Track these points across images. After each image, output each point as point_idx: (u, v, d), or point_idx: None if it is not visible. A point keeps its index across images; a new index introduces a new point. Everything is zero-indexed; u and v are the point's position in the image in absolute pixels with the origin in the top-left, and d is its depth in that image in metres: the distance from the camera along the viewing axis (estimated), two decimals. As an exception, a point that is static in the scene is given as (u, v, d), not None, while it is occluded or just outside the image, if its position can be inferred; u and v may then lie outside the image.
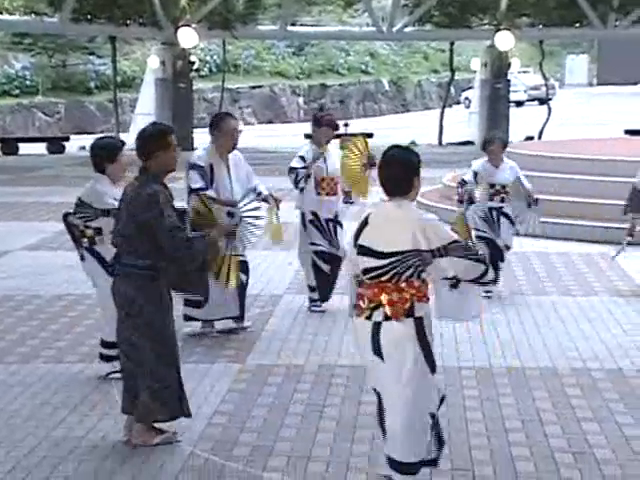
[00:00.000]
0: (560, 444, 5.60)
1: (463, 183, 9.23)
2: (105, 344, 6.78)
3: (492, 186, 9.10)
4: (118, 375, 6.66)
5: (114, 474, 5.20)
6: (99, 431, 5.83)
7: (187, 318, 7.88)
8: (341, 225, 8.60)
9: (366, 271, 4.71)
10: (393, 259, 4.62)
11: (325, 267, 8.55)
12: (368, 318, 4.70)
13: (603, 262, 10.83)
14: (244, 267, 7.82)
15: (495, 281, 4.80)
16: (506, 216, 9.13)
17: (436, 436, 4.78)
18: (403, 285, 4.64)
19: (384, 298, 4.65)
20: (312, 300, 8.68)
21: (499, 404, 6.29)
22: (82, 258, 6.83)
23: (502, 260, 9.07)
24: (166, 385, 5.55)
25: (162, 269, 5.53)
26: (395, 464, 4.71)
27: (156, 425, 5.65)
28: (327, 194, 8.53)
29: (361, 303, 4.74)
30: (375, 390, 4.81)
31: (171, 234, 5.41)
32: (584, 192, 12.72)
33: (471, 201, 9.11)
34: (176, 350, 5.66)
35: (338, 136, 8.61)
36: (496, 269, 8.89)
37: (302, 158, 8.49)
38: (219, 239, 5.80)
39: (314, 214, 8.54)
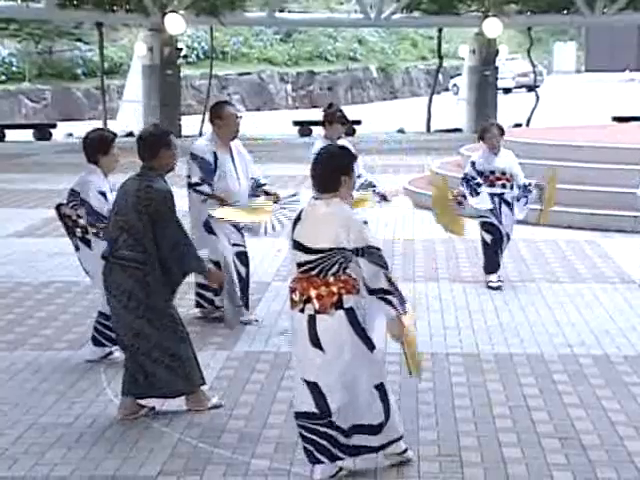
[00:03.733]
0: (547, 430, 5.63)
1: (465, 179, 9.16)
2: (107, 326, 6.77)
3: (492, 172, 9.08)
4: (110, 357, 6.74)
5: (102, 461, 5.21)
6: (87, 418, 5.83)
7: (202, 305, 7.95)
8: None
9: (299, 265, 4.90)
10: (319, 255, 4.81)
11: None
12: (301, 311, 4.89)
13: (590, 249, 10.87)
14: (244, 259, 7.87)
15: (402, 307, 4.88)
16: (507, 204, 9.11)
17: (385, 406, 4.96)
18: (331, 279, 4.84)
19: (312, 292, 4.84)
20: None
21: (486, 390, 6.31)
22: (77, 248, 6.84)
23: (501, 250, 9.10)
24: (185, 359, 5.76)
25: (159, 263, 5.66)
26: (365, 428, 4.89)
27: (142, 402, 5.81)
28: None
29: (294, 296, 4.93)
30: (309, 382, 4.88)
31: (180, 230, 5.70)
32: (571, 179, 12.73)
33: (477, 193, 9.08)
34: (183, 325, 5.87)
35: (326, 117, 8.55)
36: (497, 255, 9.07)
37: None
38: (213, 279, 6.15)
39: None
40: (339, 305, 4.83)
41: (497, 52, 27.21)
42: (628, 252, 10.44)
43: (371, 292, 4.82)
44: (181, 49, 26.89)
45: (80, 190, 6.69)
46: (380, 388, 4.96)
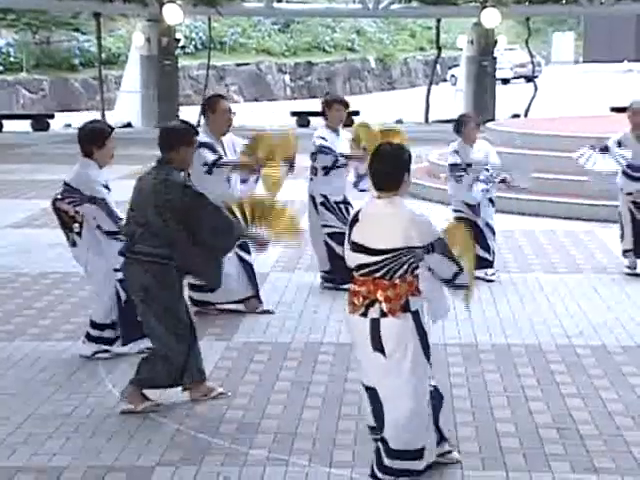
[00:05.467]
0: (545, 420, 5.64)
1: (453, 167, 9.13)
2: (94, 325, 6.76)
3: (469, 165, 9.06)
4: (104, 355, 6.71)
5: (100, 451, 5.22)
6: (86, 408, 5.84)
7: (197, 303, 7.88)
8: (351, 206, 8.56)
9: (359, 267, 4.74)
10: (386, 256, 4.65)
11: (339, 249, 8.51)
12: (363, 315, 4.72)
13: (588, 239, 10.87)
14: (246, 245, 7.85)
15: (466, 287, 4.87)
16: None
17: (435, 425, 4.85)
18: (397, 281, 4.68)
19: (380, 295, 4.67)
20: (326, 280, 8.65)
21: (484, 381, 6.32)
22: (73, 244, 6.75)
23: (486, 241, 9.04)
24: (177, 359, 5.75)
25: (178, 257, 5.67)
26: (392, 452, 4.71)
27: (146, 392, 5.80)
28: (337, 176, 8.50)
29: (355, 300, 4.76)
30: (367, 387, 4.80)
31: (213, 207, 5.69)
32: (570, 169, 12.73)
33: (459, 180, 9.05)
34: (192, 328, 5.87)
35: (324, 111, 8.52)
36: (486, 249, 9.00)
37: (324, 138, 8.39)
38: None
39: (324, 197, 8.53)
40: (407, 308, 4.68)
41: (495, 42, 27.16)
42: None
43: (444, 282, 4.77)
44: (179, 39, 26.85)
45: (79, 187, 6.56)
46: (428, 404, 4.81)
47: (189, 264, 5.74)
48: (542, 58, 53.20)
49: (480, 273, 8.67)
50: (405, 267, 4.67)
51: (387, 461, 4.75)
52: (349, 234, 4.78)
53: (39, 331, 7.47)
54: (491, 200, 9.12)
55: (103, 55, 29.38)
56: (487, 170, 8.99)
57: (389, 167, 4.74)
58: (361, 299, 4.72)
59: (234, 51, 39.97)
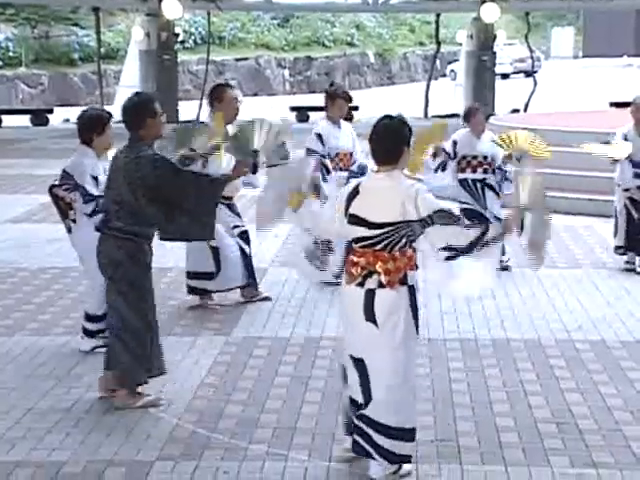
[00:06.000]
0: (544, 414, 5.65)
1: (442, 151, 9.14)
2: (89, 318, 6.76)
3: (474, 157, 9.06)
4: (104, 350, 6.70)
5: (100, 446, 5.22)
6: (85, 403, 5.84)
7: (195, 291, 7.88)
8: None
9: (358, 240, 4.75)
10: (385, 229, 4.66)
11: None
12: (360, 285, 4.73)
13: (588, 234, 10.88)
14: (246, 237, 7.90)
15: (500, 238, 4.71)
16: (491, 188, 9.11)
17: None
18: (397, 254, 4.69)
19: (380, 267, 4.68)
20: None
21: (484, 375, 6.32)
22: (69, 230, 6.80)
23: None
24: (144, 348, 5.73)
25: (160, 232, 5.72)
26: (384, 428, 4.70)
27: (139, 389, 5.77)
28: (340, 169, 8.48)
29: (353, 270, 4.76)
30: (356, 359, 4.78)
31: (187, 172, 5.80)
32: (569, 165, 12.73)
33: (444, 168, 9.06)
34: (154, 311, 5.85)
35: (325, 108, 8.51)
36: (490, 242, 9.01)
37: (319, 136, 8.36)
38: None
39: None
40: (404, 281, 4.72)
41: (495, 37, 27.09)
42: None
43: (469, 249, 4.60)
44: (178, 34, 26.78)
45: (74, 173, 6.61)
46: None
47: (174, 234, 5.74)
48: (541, 53, 53.14)
49: None
50: (404, 240, 4.68)
51: (378, 438, 4.70)
52: (347, 207, 4.77)
53: (38, 326, 7.47)
54: (497, 193, 9.10)
55: (102, 50, 29.34)
56: (500, 169, 9.00)
57: (388, 141, 4.76)
58: (359, 269, 4.74)
59: (233, 46, 39.93)
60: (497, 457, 5.08)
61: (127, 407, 5.70)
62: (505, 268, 9.05)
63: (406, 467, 4.85)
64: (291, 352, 6.81)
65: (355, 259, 4.76)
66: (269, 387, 6.10)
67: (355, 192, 4.78)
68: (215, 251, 7.69)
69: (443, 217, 4.62)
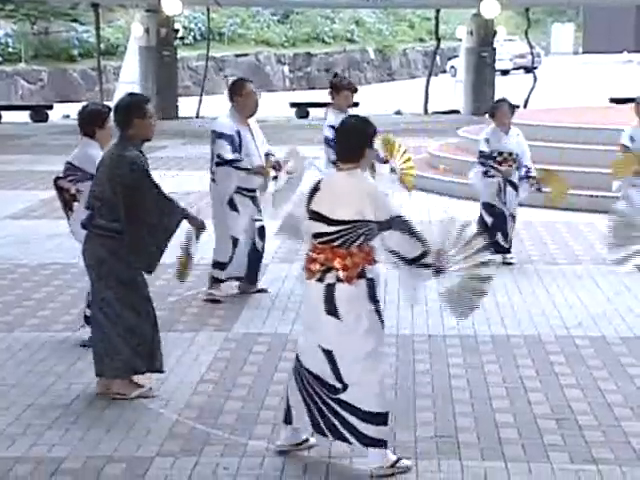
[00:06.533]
0: (543, 410, 5.65)
1: (482, 155, 9.13)
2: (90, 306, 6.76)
3: (500, 154, 9.07)
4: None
5: (99, 442, 5.22)
6: (85, 399, 5.84)
7: (216, 281, 8.00)
8: None
9: (317, 235, 4.85)
10: (342, 227, 4.76)
11: None
12: (320, 280, 4.83)
13: (588, 231, 10.87)
14: (262, 232, 8.05)
15: (438, 272, 4.85)
16: (512, 184, 9.15)
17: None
18: (354, 250, 4.79)
19: (337, 263, 4.79)
20: None
21: (483, 372, 6.33)
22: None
23: (506, 230, 9.13)
24: (144, 340, 5.76)
25: (123, 231, 5.67)
26: (365, 414, 4.78)
27: (134, 379, 5.82)
28: None
29: (312, 266, 4.88)
30: (324, 349, 4.85)
31: (157, 191, 5.67)
32: (570, 161, 12.73)
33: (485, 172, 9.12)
34: (151, 307, 5.85)
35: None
36: (505, 236, 9.11)
37: (333, 127, 8.39)
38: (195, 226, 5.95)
39: None
40: (362, 275, 4.80)
41: (495, 33, 27.09)
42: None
43: (410, 262, 4.78)
44: (178, 30, 26.77)
45: (83, 165, 6.63)
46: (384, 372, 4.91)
47: (131, 239, 5.68)
48: (541, 49, 53.13)
49: (498, 257, 8.92)
50: (362, 238, 4.78)
51: (362, 426, 4.77)
52: (308, 202, 4.87)
53: (38, 322, 7.48)
54: (516, 188, 9.18)
55: (102, 46, 29.33)
56: (524, 166, 9.07)
57: (353, 140, 4.85)
58: (318, 266, 4.84)
59: (233, 42, 39.90)
60: (497, 453, 5.08)
61: (123, 397, 5.74)
62: (509, 263, 9.11)
63: (405, 462, 4.87)
64: (291, 348, 6.80)
65: (314, 255, 4.87)
66: (269, 383, 6.10)
67: (316, 188, 4.88)
68: (235, 242, 7.85)
69: (400, 224, 4.75)
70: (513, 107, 9.24)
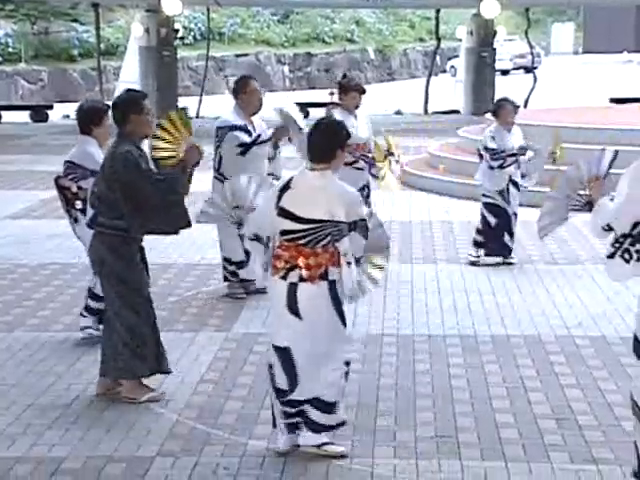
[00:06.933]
0: (544, 410, 5.65)
1: (493, 151, 9.10)
2: (94, 296, 6.78)
3: (502, 152, 9.06)
4: (91, 331, 6.77)
5: (100, 442, 5.22)
6: (85, 399, 5.84)
7: (233, 275, 7.99)
8: (370, 190, 8.58)
9: (284, 233, 4.91)
10: (311, 226, 4.84)
11: None
12: (283, 278, 4.91)
13: (587, 231, 10.86)
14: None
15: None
16: (514, 184, 9.15)
17: (343, 386, 5.02)
18: (319, 250, 4.87)
19: (301, 261, 4.86)
20: None
21: (484, 371, 6.33)
22: (76, 220, 6.81)
23: (512, 229, 9.15)
24: (144, 341, 5.71)
25: (134, 229, 5.64)
26: (322, 404, 4.91)
27: (144, 382, 5.77)
28: (359, 159, 8.50)
29: (277, 263, 4.94)
30: (280, 348, 4.96)
31: (151, 179, 5.60)
32: (569, 160, 12.71)
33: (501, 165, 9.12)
34: (151, 307, 5.81)
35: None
36: (511, 236, 9.13)
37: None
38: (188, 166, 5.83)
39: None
40: (325, 276, 4.89)
41: (495, 33, 27.09)
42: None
43: (357, 261, 4.98)
44: (178, 30, 26.76)
45: (83, 162, 6.64)
46: (348, 365, 5.05)
47: (145, 228, 5.68)
48: (541, 49, 53.12)
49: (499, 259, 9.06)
50: (328, 238, 4.86)
51: (315, 415, 4.91)
52: (278, 199, 4.92)
53: (38, 322, 7.48)
54: (517, 187, 9.18)
55: (102, 46, 29.34)
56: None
57: (325, 141, 4.93)
58: (283, 263, 4.91)
59: (233, 42, 39.90)
60: (497, 453, 5.08)
61: (133, 401, 5.70)
62: (510, 263, 9.13)
63: (337, 448, 4.97)
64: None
65: (280, 252, 4.94)
66: (269, 383, 6.08)
67: (287, 186, 4.94)
68: (243, 240, 7.83)
69: (362, 227, 4.90)
70: (516, 106, 9.23)
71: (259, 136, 7.75)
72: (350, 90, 8.37)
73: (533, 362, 6.52)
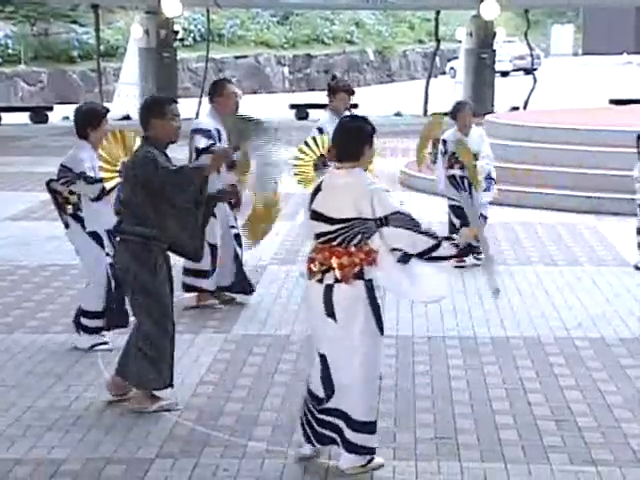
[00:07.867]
0: (543, 412, 5.65)
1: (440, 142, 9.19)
2: (85, 313, 6.73)
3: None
4: (103, 347, 6.69)
5: (99, 444, 5.22)
6: (84, 401, 5.84)
7: (189, 289, 7.87)
8: None
9: (318, 235, 4.87)
10: (341, 225, 4.78)
11: None
12: (320, 281, 4.83)
13: (588, 232, 10.88)
14: (239, 240, 7.88)
15: (462, 255, 4.88)
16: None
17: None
18: (353, 249, 4.80)
19: (334, 262, 4.79)
20: None
21: (483, 373, 6.33)
22: (67, 225, 6.80)
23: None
24: (161, 353, 5.62)
25: (158, 236, 5.58)
26: (354, 423, 4.77)
27: (155, 392, 5.72)
28: None
29: (312, 266, 4.88)
30: (319, 354, 4.87)
31: (164, 171, 5.50)
32: (569, 162, 12.74)
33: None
34: (172, 319, 5.73)
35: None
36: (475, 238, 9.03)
37: (320, 130, 8.36)
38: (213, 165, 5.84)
39: None
40: (360, 276, 4.78)
41: (494, 35, 27.08)
42: (625, 235, 10.43)
43: (417, 256, 4.75)
44: (177, 32, 26.76)
45: (72, 165, 6.62)
46: (380, 379, 4.92)
47: (169, 238, 5.62)
48: (541, 50, 53.11)
49: (470, 258, 8.92)
50: (359, 237, 4.79)
51: (349, 434, 4.77)
52: (310, 202, 4.89)
53: (38, 324, 7.47)
54: (485, 189, 9.13)
55: (101, 47, 29.32)
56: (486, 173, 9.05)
57: (351, 139, 4.87)
58: (318, 266, 4.85)
59: (233, 43, 39.90)
60: (496, 454, 5.08)
61: (142, 410, 5.63)
62: (477, 264, 9.03)
63: (377, 460, 4.88)
64: (290, 350, 6.81)
65: (314, 255, 4.88)
66: (268, 385, 6.10)
67: (318, 189, 4.90)
68: (213, 249, 7.70)
69: (398, 220, 4.73)
70: (474, 110, 9.30)
71: (213, 144, 7.54)
72: (339, 91, 8.36)
73: (533, 364, 6.52)
